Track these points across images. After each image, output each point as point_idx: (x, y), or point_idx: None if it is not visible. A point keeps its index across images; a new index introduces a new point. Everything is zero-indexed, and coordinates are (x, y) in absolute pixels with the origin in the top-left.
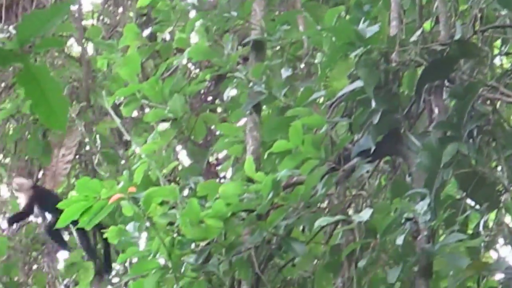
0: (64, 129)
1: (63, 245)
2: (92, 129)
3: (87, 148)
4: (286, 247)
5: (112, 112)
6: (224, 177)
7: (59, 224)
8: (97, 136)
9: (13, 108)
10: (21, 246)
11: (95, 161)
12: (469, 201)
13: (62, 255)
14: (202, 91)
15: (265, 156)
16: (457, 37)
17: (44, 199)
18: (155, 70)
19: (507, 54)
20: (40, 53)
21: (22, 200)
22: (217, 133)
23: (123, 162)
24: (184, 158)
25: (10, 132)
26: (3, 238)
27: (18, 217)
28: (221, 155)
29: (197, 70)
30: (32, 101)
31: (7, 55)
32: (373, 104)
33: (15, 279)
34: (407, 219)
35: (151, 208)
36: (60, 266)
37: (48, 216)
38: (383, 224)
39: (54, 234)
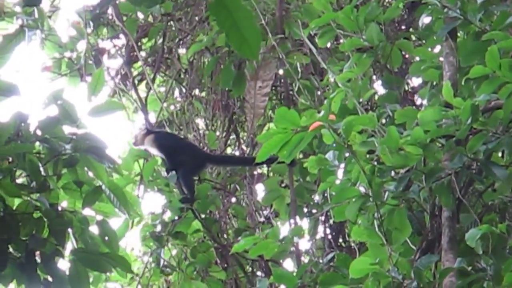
0: (256, 58)
1: (189, 191)
2: (288, 60)
3: (282, 80)
4: (486, 171)
5: (308, 42)
6: (421, 105)
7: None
8: (294, 67)
9: (208, 41)
10: (218, 179)
11: (294, 91)
12: None
13: (261, 186)
14: (396, 19)
15: (463, 82)
16: None
17: (165, 140)
18: None
19: None
20: None
21: (155, 151)
22: (412, 61)
23: (319, 92)
24: (379, 87)
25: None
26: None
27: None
28: (416, 83)
29: None
30: (224, 30)
31: None
32: None
33: (213, 214)
34: None
35: (351, 136)
36: (259, 197)
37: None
38: None
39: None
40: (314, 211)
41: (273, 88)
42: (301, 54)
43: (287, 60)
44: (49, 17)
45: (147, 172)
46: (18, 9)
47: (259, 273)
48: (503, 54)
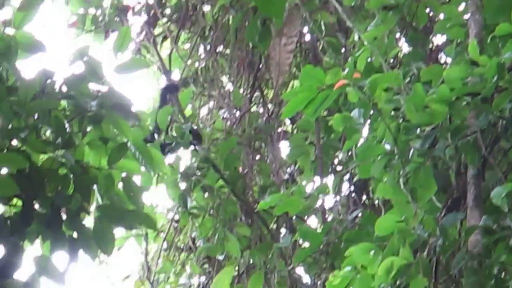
0: (281, 16)
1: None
2: (314, 18)
3: (307, 38)
4: None
5: (333, 0)
6: (445, 63)
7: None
8: (321, 24)
9: None
10: (244, 136)
11: (319, 49)
12: None
13: (285, 144)
14: None
15: (488, 40)
16: None
17: None
18: None
19: None
20: None
21: None
22: (437, 19)
23: (343, 50)
24: (404, 45)
25: (230, 22)
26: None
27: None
28: (440, 41)
29: None
30: None
31: None
32: None
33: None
34: None
35: (376, 94)
36: (284, 154)
37: None
38: None
39: None
40: (338, 168)
41: (298, 45)
42: (326, 12)
43: (312, 18)
44: None
45: (163, 120)
46: None
47: (283, 230)
48: None
